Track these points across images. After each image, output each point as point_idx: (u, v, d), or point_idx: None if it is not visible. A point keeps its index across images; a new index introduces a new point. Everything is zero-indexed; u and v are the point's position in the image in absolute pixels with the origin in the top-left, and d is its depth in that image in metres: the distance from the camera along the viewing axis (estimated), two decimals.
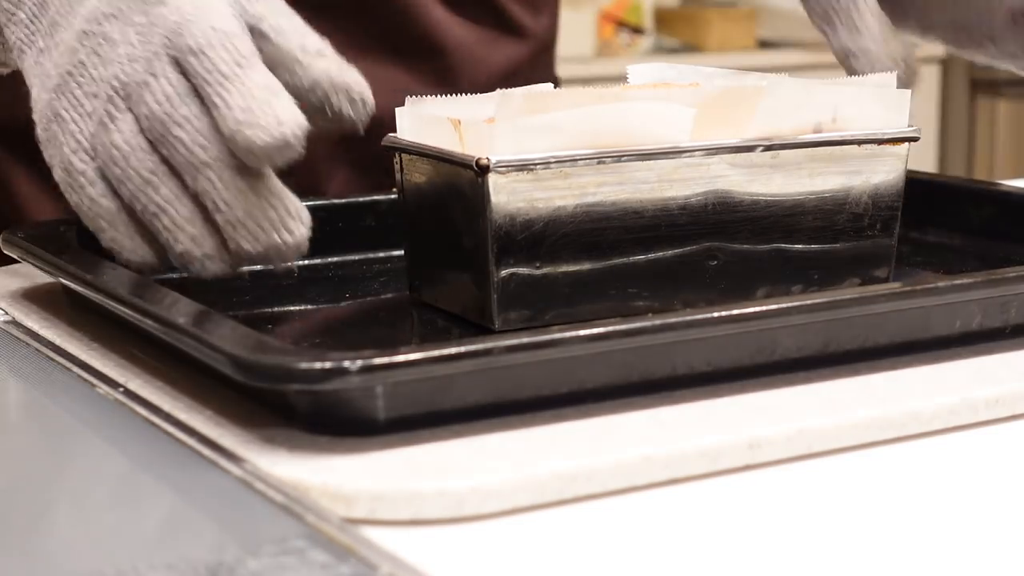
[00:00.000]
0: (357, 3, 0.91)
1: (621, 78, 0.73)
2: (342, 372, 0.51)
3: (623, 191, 0.62)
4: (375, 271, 0.74)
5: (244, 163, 0.58)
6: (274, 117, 0.57)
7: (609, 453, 0.51)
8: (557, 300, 0.61)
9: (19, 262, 0.70)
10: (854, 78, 0.71)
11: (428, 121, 0.64)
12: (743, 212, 0.64)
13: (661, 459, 0.51)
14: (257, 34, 0.60)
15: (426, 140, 0.63)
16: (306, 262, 0.70)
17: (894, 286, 0.63)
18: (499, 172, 0.59)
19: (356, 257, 0.76)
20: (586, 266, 0.62)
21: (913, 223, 0.78)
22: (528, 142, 0.60)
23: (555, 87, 0.67)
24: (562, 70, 1.08)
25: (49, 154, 0.62)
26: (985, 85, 3.22)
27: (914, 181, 0.71)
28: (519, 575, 0.46)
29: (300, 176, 0.61)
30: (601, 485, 0.50)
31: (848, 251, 0.67)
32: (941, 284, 0.62)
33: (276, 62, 0.60)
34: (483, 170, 0.59)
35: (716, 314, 0.57)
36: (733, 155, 0.64)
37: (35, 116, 0.63)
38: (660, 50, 3.07)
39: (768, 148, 0.64)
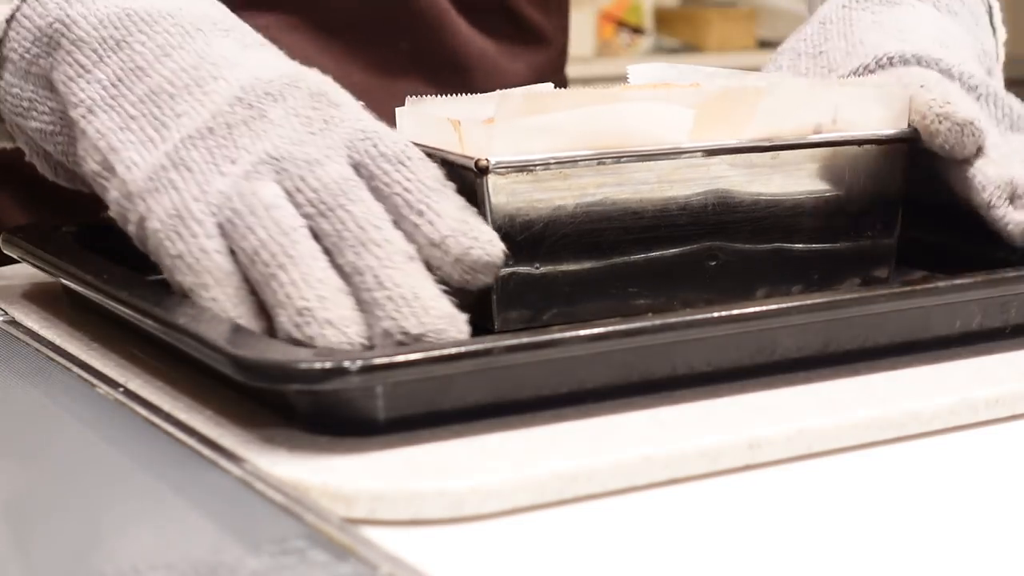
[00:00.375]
0: (388, 23, 0.91)
1: (621, 78, 0.73)
2: (342, 372, 0.51)
3: (623, 191, 0.62)
4: None
5: (412, 252, 0.56)
6: (487, 234, 0.56)
7: (609, 453, 0.51)
8: (557, 300, 0.61)
9: (19, 262, 0.70)
10: (854, 78, 0.71)
11: (428, 121, 0.64)
12: (743, 212, 0.64)
13: (661, 459, 0.51)
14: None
15: (426, 140, 0.63)
16: None
17: (894, 286, 0.63)
18: (498, 173, 0.59)
19: None
20: (586, 266, 0.62)
21: (913, 223, 0.77)
22: (527, 143, 0.60)
23: (564, 87, 0.67)
24: None
25: (147, 204, 0.58)
26: None
27: (914, 181, 0.71)
28: (519, 575, 0.46)
29: None
30: (601, 485, 0.50)
31: (848, 251, 0.67)
32: (941, 284, 0.62)
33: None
34: (482, 171, 0.59)
35: (716, 314, 0.57)
36: (733, 155, 0.64)
37: (130, 175, 0.59)
38: (660, 50, 3.07)
39: (768, 148, 0.64)
